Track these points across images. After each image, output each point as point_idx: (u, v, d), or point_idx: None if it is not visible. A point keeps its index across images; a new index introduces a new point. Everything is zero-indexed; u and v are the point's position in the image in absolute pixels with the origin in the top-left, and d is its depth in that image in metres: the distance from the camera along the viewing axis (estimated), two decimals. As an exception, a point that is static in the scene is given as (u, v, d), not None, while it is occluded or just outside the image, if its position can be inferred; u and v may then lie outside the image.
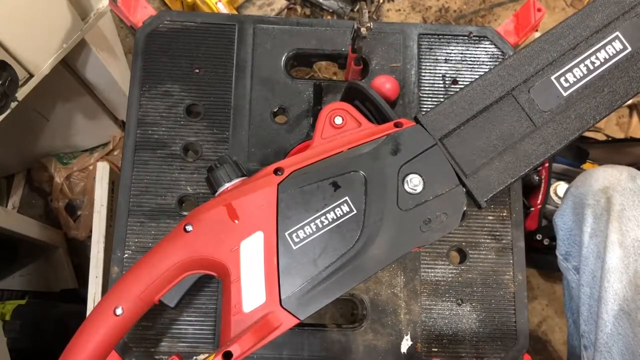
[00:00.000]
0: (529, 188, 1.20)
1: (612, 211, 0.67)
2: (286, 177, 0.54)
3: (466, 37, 0.80)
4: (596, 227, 0.69)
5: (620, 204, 0.67)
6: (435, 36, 0.81)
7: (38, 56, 0.80)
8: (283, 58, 0.79)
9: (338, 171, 0.54)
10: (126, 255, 0.70)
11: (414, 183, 0.54)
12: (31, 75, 0.80)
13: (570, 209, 0.74)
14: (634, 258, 0.65)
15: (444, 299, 0.72)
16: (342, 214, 0.53)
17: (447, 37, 0.80)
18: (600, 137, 1.34)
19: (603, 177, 0.70)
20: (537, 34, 0.81)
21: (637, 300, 0.64)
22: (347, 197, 0.53)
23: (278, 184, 0.53)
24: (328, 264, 0.52)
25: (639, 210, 0.66)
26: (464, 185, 0.56)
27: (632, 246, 0.65)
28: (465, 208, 0.55)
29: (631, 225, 0.66)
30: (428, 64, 0.80)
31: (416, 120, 0.58)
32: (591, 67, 0.59)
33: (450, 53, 0.80)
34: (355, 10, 1.44)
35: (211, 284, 0.70)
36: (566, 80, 0.59)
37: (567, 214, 0.75)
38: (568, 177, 1.18)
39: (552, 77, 0.59)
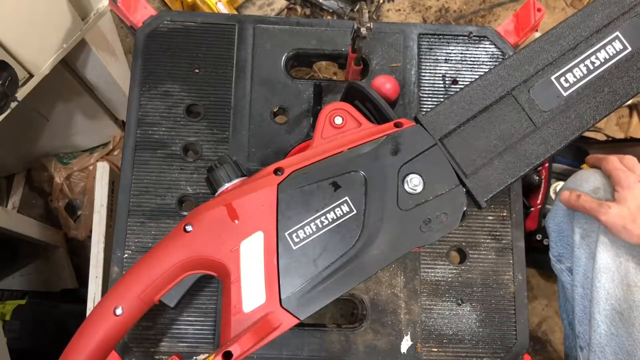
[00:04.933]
0: (529, 188, 1.20)
1: None
2: (286, 177, 0.54)
3: (466, 37, 0.80)
4: (588, 227, 0.69)
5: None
6: (435, 36, 0.81)
7: (38, 56, 0.80)
8: (283, 58, 0.79)
9: (338, 171, 0.54)
10: (126, 255, 0.70)
11: (414, 183, 0.54)
12: (31, 75, 0.80)
13: (562, 211, 0.74)
14: (625, 258, 0.65)
15: (444, 299, 0.72)
16: (342, 214, 0.53)
17: (447, 37, 0.80)
18: (600, 137, 1.33)
19: (594, 178, 0.70)
20: (537, 34, 0.81)
21: (630, 300, 0.64)
22: (347, 197, 0.53)
23: (278, 184, 0.53)
24: (328, 264, 0.52)
25: None
26: (464, 185, 0.56)
27: (623, 245, 0.66)
28: (465, 208, 0.55)
29: None
30: (428, 64, 0.80)
31: (416, 120, 0.58)
32: (591, 67, 0.59)
33: (450, 53, 0.80)
34: (355, 10, 1.44)
35: (211, 284, 0.70)
36: (566, 80, 0.59)
37: (559, 216, 0.75)
38: (568, 177, 1.18)
39: (552, 77, 0.59)
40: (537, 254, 1.11)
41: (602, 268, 0.66)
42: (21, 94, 0.80)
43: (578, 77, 0.59)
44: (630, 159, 0.68)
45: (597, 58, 0.59)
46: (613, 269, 0.65)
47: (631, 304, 0.64)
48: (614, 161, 0.68)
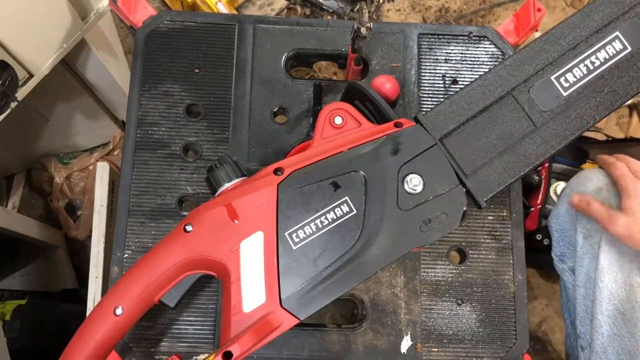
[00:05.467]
0: (529, 188, 1.20)
1: None
2: (286, 177, 0.54)
3: (466, 37, 0.80)
4: (591, 227, 0.69)
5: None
6: (435, 36, 0.81)
7: (38, 56, 0.80)
8: (283, 58, 0.79)
9: (338, 171, 0.54)
10: (126, 255, 0.70)
11: (414, 183, 0.54)
12: (31, 75, 0.80)
13: (565, 210, 0.74)
14: (628, 258, 0.65)
15: (444, 299, 0.72)
16: (342, 214, 0.53)
17: (447, 37, 0.80)
18: (600, 137, 1.33)
19: (597, 177, 0.70)
20: (537, 34, 0.81)
21: (632, 300, 0.64)
22: (347, 197, 0.53)
23: (278, 184, 0.53)
24: (328, 264, 0.52)
25: None
26: (464, 185, 0.56)
27: (626, 246, 0.65)
28: (465, 208, 0.55)
29: None
30: (428, 64, 0.80)
31: (416, 120, 0.58)
32: (591, 67, 0.59)
33: (450, 53, 0.80)
34: (355, 10, 1.44)
35: (211, 284, 0.70)
36: (566, 80, 0.59)
37: (561, 215, 0.75)
38: (568, 177, 1.18)
39: (552, 77, 0.59)
40: (537, 254, 1.11)
41: (605, 268, 0.66)
42: (21, 94, 0.80)
43: (578, 77, 0.59)
44: (637, 164, 0.68)
45: (597, 58, 0.59)
46: (616, 269, 0.65)
47: (634, 305, 0.64)
48: (621, 167, 0.68)
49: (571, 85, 0.59)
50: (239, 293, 0.51)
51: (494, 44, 0.80)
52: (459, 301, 0.72)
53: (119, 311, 0.52)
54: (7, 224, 1.01)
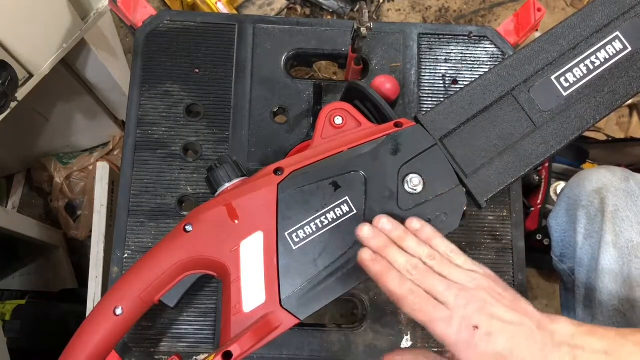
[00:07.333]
0: (529, 188, 1.20)
1: (606, 212, 0.67)
2: (286, 177, 0.54)
3: (466, 37, 0.80)
4: (590, 228, 0.69)
5: (613, 205, 0.67)
6: (435, 36, 0.81)
7: (38, 56, 0.80)
8: (283, 58, 0.79)
9: (338, 171, 0.54)
10: (126, 255, 0.70)
11: (414, 183, 0.54)
12: (31, 75, 0.80)
13: (564, 211, 0.74)
14: (628, 259, 0.65)
15: (444, 299, 0.72)
16: (342, 214, 0.53)
17: (447, 37, 0.80)
18: (600, 137, 1.33)
19: (597, 178, 0.70)
20: (537, 34, 0.80)
21: (632, 301, 0.64)
22: (347, 197, 0.53)
23: (278, 184, 0.53)
24: (328, 263, 0.52)
25: (632, 211, 0.66)
26: (464, 185, 0.56)
27: (626, 247, 0.65)
28: (465, 208, 0.55)
29: (625, 226, 0.66)
30: (428, 64, 0.80)
31: (416, 120, 0.58)
32: (591, 67, 0.59)
33: (450, 53, 0.80)
34: (355, 10, 1.44)
35: (211, 284, 0.70)
36: (566, 80, 0.59)
37: (561, 216, 0.75)
38: (568, 177, 1.17)
39: (552, 77, 0.59)
40: (537, 254, 1.11)
41: (605, 269, 0.66)
42: (21, 94, 0.79)
43: (578, 77, 0.59)
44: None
45: (597, 58, 0.59)
46: (616, 269, 0.65)
47: (634, 305, 0.64)
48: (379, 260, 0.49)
49: (571, 85, 0.59)
50: (239, 293, 0.51)
51: (494, 44, 0.80)
52: (459, 301, 0.72)
53: (119, 311, 0.52)
54: (7, 224, 1.01)
